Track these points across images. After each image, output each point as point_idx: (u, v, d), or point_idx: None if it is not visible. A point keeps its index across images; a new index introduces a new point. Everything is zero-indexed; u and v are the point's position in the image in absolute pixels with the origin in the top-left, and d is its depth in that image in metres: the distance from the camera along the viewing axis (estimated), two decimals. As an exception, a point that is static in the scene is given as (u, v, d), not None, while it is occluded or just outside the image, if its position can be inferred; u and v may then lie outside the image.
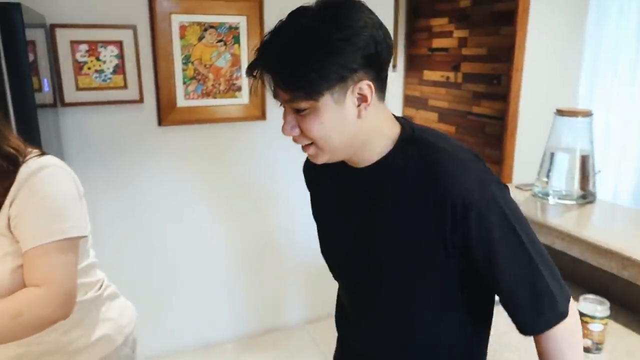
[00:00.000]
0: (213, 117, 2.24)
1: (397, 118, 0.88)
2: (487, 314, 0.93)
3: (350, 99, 0.77)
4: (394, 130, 0.85)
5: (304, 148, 0.83)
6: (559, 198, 1.74)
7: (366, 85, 0.77)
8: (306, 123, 0.78)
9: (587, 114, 1.73)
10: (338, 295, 1.07)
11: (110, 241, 2.17)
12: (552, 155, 1.78)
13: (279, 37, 0.76)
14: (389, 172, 0.83)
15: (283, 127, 0.80)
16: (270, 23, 2.21)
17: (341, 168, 0.89)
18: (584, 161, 1.74)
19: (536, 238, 0.81)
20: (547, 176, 1.78)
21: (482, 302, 0.90)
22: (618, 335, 1.35)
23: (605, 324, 1.26)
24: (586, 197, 1.73)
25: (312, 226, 1.02)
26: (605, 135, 3.12)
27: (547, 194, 1.77)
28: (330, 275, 1.01)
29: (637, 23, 3.07)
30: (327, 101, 0.76)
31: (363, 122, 0.80)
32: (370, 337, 0.95)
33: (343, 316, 1.05)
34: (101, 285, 1.10)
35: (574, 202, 1.71)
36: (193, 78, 2.18)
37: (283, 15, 0.79)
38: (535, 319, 0.79)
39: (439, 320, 0.88)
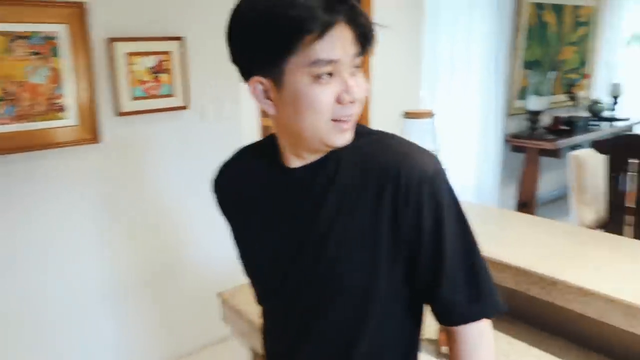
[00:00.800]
0: (33, 143, 1.90)
1: None
2: (421, 309, 0.87)
3: None
4: None
5: (347, 123, 0.74)
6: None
7: None
8: (360, 81, 0.74)
9: (430, 115, 1.78)
10: (265, 325, 0.95)
11: None
12: (403, 157, 1.81)
13: None
14: (334, 169, 0.78)
15: (354, 90, 0.72)
16: (97, 32, 1.99)
17: (267, 173, 0.84)
18: (432, 161, 1.79)
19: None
20: (400, 179, 1.81)
21: (418, 298, 0.84)
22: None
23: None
24: (437, 195, 1.78)
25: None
26: (447, 135, 3.36)
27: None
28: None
29: (466, 34, 3.36)
30: None
31: None
32: None
33: (273, 347, 0.93)
34: None
35: (426, 202, 1.75)
36: (1, 99, 1.83)
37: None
38: (472, 303, 0.77)
39: (386, 327, 0.82)
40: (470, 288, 0.77)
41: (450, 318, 0.79)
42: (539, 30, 4.03)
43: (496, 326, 1.36)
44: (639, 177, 2.27)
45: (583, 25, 4.47)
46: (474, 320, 0.78)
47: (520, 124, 4.01)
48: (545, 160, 3.83)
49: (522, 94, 3.98)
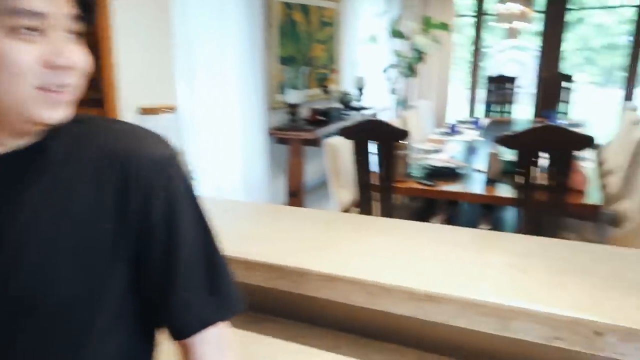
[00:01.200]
0: None
1: None
2: (152, 330, 0.76)
3: None
4: None
5: (59, 94, 0.61)
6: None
7: None
8: (79, 50, 0.63)
9: (170, 109, 1.62)
10: None
11: None
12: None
13: None
14: (40, 159, 0.64)
15: (67, 54, 0.60)
16: None
17: None
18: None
19: None
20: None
21: (148, 313, 0.72)
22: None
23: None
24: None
25: None
26: (210, 134, 3.24)
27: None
28: None
29: (219, 32, 3.28)
30: None
31: None
32: None
33: None
34: None
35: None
36: None
37: None
38: (210, 304, 0.69)
39: (108, 353, 0.68)
40: (208, 286, 0.70)
41: (186, 325, 0.69)
42: (290, 28, 4.22)
43: (254, 329, 1.29)
44: (379, 157, 2.52)
45: (328, 26, 4.87)
46: (213, 323, 0.70)
47: (282, 117, 4.16)
48: (309, 149, 4.05)
49: (281, 89, 4.13)
